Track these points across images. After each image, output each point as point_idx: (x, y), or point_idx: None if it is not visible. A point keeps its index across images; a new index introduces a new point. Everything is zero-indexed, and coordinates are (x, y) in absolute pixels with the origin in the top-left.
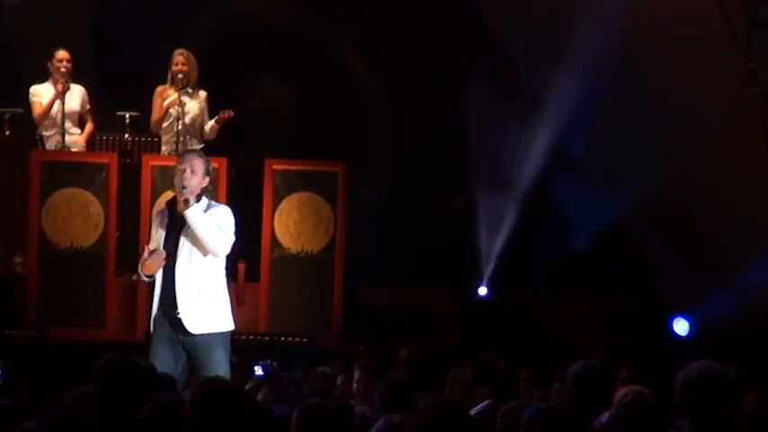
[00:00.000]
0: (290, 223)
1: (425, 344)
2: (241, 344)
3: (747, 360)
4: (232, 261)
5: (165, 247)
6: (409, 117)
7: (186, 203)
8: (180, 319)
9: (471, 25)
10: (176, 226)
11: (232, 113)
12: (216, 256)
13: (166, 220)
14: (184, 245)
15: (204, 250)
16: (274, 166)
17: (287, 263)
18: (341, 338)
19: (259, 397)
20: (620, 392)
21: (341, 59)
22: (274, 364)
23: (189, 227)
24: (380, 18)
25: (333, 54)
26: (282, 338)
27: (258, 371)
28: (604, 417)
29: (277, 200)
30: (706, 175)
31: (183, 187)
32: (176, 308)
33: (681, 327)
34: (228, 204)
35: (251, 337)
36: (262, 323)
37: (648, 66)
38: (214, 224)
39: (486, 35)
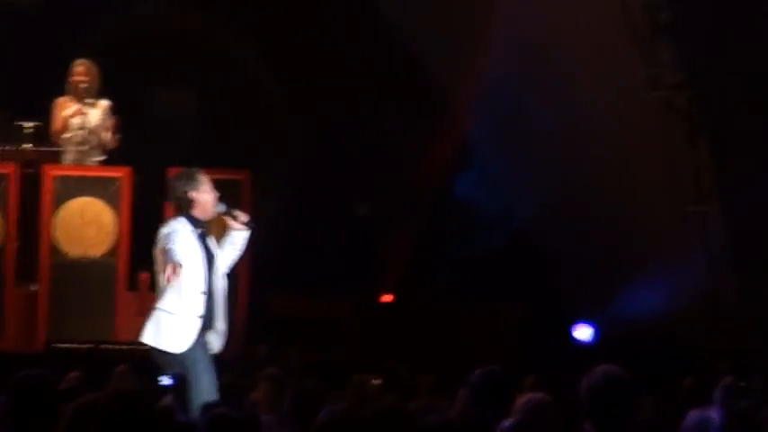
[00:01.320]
0: None
1: (328, 352)
2: (142, 353)
3: (649, 366)
4: (134, 272)
5: (204, 265)
6: (311, 124)
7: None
8: (214, 336)
9: (374, 31)
10: (207, 246)
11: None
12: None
13: (197, 239)
14: (222, 264)
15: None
16: None
17: None
18: (242, 348)
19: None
20: (522, 399)
21: (244, 67)
22: (182, 374)
23: (223, 246)
24: (282, 26)
25: (236, 62)
26: None
27: (165, 381)
28: (506, 423)
29: None
30: (609, 181)
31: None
32: (214, 325)
33: (584, 333)
34: (133, 213)
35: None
36: None
37: (554, 71)
38: None
39: (390, 40)
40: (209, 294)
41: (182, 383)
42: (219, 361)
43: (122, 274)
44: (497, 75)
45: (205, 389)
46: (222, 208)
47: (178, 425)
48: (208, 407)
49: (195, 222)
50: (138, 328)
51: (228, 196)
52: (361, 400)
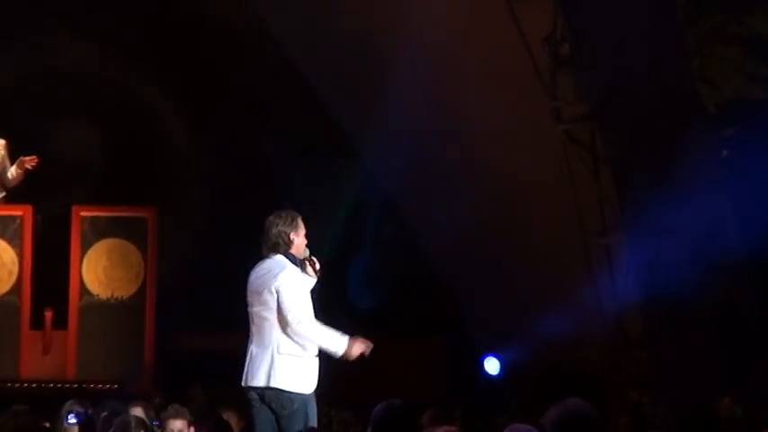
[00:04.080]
0: (100, 270)
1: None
2: (48, 391)
3: (555, 397)
4: (38, 309)
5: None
6: (219, 161)
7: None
8: None
9: (277, 68)
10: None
11: (36, 159)
12: None
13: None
14: None
15: None
16: (82, 213)
17: (96, 309)
18: (152, 384)
19: None
20: None
21: (148, 105)
22: (89, 411)
23: None
24: (186, 63)
25: (140, 99)
26: (92, 385)
27: (71, 419)
28: None
29: (85, 246)
30: (514, 213)
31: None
32: None
33: (492, 366)
34: (35, 252)
35: (59, 385)
36: (70, 370)
37: (458, 103)
38: None
39: (292, 76)
40: None
41: (87, 422)
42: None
43: (26, 313)
44: (400, 108)
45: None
46: (306, 253)
47: None
48: None
49: (294, 261)
50: (43, 365)
51: (134, 233)
52: None
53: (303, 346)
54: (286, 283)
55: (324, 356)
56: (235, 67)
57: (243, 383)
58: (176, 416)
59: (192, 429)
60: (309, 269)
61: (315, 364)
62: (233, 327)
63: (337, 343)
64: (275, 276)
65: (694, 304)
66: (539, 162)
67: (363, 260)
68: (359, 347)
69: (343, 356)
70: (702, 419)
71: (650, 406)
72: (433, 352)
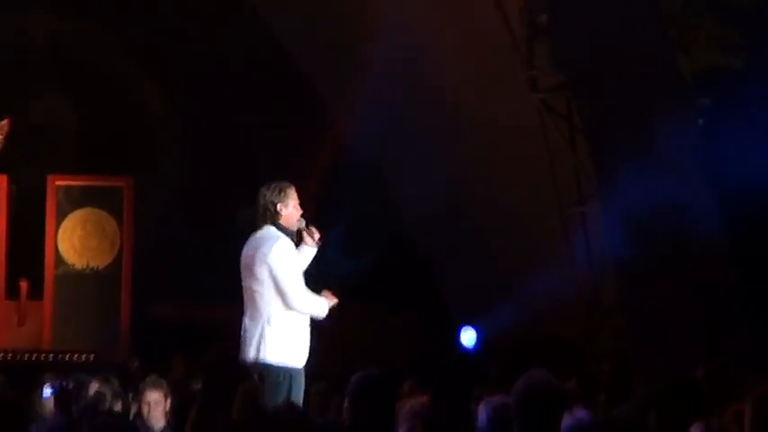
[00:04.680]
0: (75, 239)
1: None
2: (25, 362)
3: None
4: (13, 279)
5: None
6: (195, 131)
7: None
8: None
9: (256, 40)
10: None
11: (8, 122)
12: None
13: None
14: None
15: None
16: (57, 183)
17: (72, 279)
18: (129, 353)
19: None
20: (405, 407)
21: (123, 74)
22: (64, 383)
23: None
24: (163, 33)
25: (115, 68)
26: (67, 355)
27: (47, 391)
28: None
29: (60, 216)
30: (490, 183)
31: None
32: None
33: (468, 337)
34: (9, 223)
35: (34, 356)
36: (46, 341)
37: (435, 76)
38: None
39: (271, 47)
40: None
41: (63, 392)
42: (102, 368)
43: (0, 283)
44: (379, 78)
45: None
46: (302, 223)
47: None
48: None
49: (285, 231)
50: (19, 336)
51: (110, 203)
52: (249, 405)
53: (295, 319)
54: (277, 258)
55: None
56: (211, 36)
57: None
58: (153, 387)
59: (168, 401)
60: (308, 239)
61: (306, 336)
62: (209, 297)
63: (324, 307)
64: (265, 251)
65: (669, 274)
66: (515, 131)
67: (340, 230)
68: (331, 303)
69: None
70: (676, 389)
71: (624, 375)
72: (409, 323)
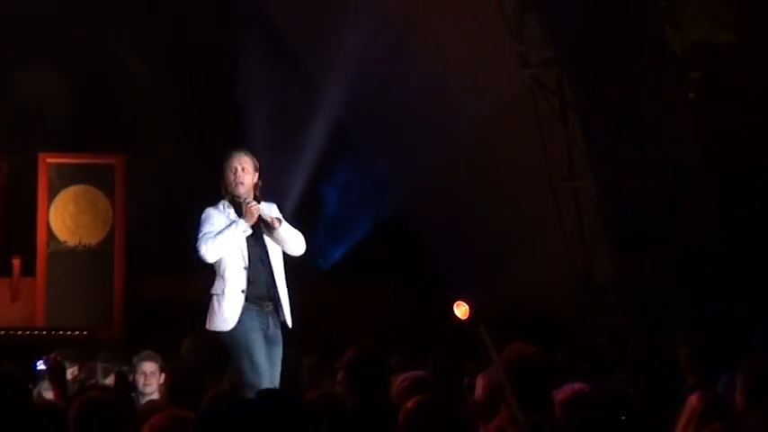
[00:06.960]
0: (67, 216)
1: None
2: (18, 339)
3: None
4: (5, 257)
5: (249, 247)
6: (185, 107)
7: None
8: (277, 314)
9: (244, 15)
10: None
11: None
12: (298, 254)
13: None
14: (270, 243)
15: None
16: (49, 160)
17: (64, 256)
18: (123, 330)
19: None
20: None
21: (114, 51)
22: (57, 358)
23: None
24: (155, 8)
25: (105, 46)
26: (61, 332)
27: (40, 365)
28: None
29: (52, 193)
30: (483, 159)
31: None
32: (277, 302)
33: (461, 311)
34: (1, 200)
35: (27, 332)
36: (39, 318)
37: (425, 51)
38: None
39: (261, 23)
40: (259, 266)
41: (55, 366)
42: (98, 343)
43: None
44: (365, 51)
45: (247, 371)
46: (249, 196)
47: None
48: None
49: (223, 196)
50: (12, 313)
51: (102, 180)
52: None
53: (223, 284)
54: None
55: (292, 306)
56: (201, 10)
57: None
58: (148, 359)
59: (162, 375)
60: (247, 215)
61: (236, 300)
62: (201, 273)
63: (236, 229)
64: None
65: (660, 248)
66: (506, 106)
67: (330, 205)
68: (252, 214)
69: (251, 226)
70: (664, 364)
71: (612, 349)
72: (401, 297)
